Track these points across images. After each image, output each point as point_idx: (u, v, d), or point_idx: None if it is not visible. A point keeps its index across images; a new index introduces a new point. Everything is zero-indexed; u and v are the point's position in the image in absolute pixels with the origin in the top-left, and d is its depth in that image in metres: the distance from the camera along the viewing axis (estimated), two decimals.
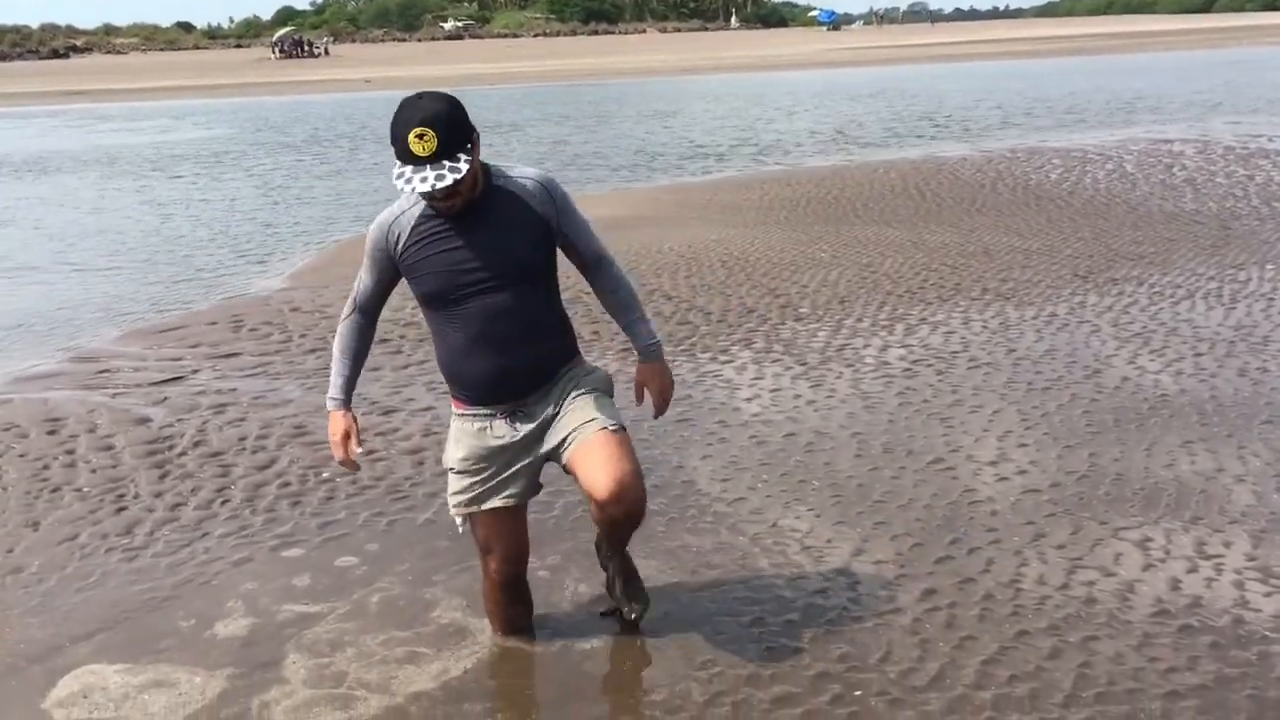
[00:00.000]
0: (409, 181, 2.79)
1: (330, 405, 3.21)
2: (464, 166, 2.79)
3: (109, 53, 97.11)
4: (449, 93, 2.91)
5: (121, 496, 4.68)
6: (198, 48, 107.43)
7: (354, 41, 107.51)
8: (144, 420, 5.60)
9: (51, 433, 5.47)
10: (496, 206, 2.97)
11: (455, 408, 3.16)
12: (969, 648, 3.31)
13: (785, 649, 3.33)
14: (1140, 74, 31.88)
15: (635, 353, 3.29)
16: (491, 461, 3.11)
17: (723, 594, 3.66)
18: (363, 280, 3.16)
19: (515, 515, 3.20)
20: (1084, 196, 11.65)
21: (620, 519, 3.06)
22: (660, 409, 3.30)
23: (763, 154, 17.07)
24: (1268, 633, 3.33)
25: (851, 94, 29.04)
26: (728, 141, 18.88)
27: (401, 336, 6.95)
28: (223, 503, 4.58)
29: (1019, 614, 3.49)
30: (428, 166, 2.78)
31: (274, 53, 76.87)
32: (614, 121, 23.55)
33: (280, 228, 11.93)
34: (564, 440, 3.06)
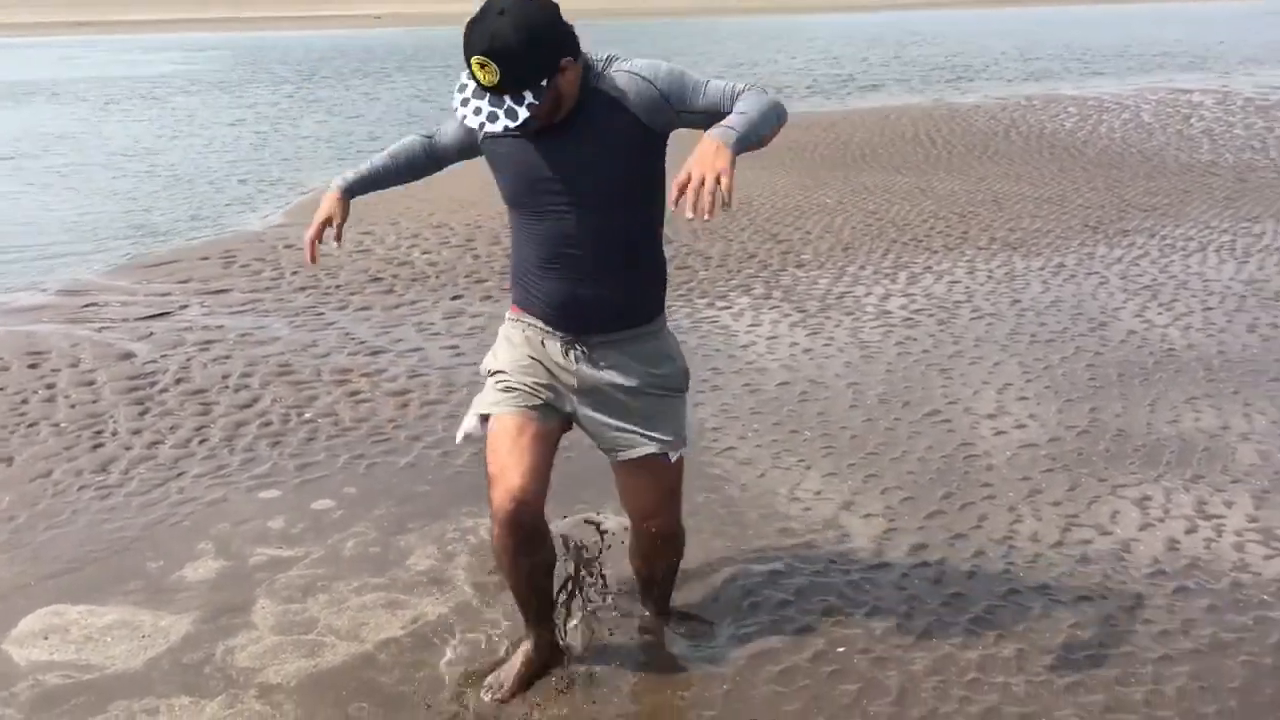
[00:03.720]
0: (464, 105, 2.38)
1: (333, 184, 2.84)
2: (524, 113, 2.34)
3: None
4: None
5: (99, 433, 4.58)
6: None
7: None
8: (127, 355, 5.50)
9: (33, 366, 5.37)
10: (588, 113, 2.46)
11: (511, 311, 2.75)
12: (957, 605, 3.20)
13: (766, 602, 3.23)
14: (1163, 23, 31.28)
15: None
16: (536, 370, 2.68)
17: (705, 545, 3.56)
18: (448, 126, 2.78)
19: (536, 436, 2.64)
20: (1098, 146, 11.41)
21: (654, 537, 2.87)
22: (682, 192, 2.25)
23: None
24: (1266, 597, 3.22)
25: (867, 38, 28.56)
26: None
27: (395, 276, 6.82)
28: (201, 442, 4.48)
29: (1010, 572, 3.38)
30: (487, 97, 2.35)
31: None
32: None
33: (278, 164, 11.75)
34: (616, 444, 2.70)
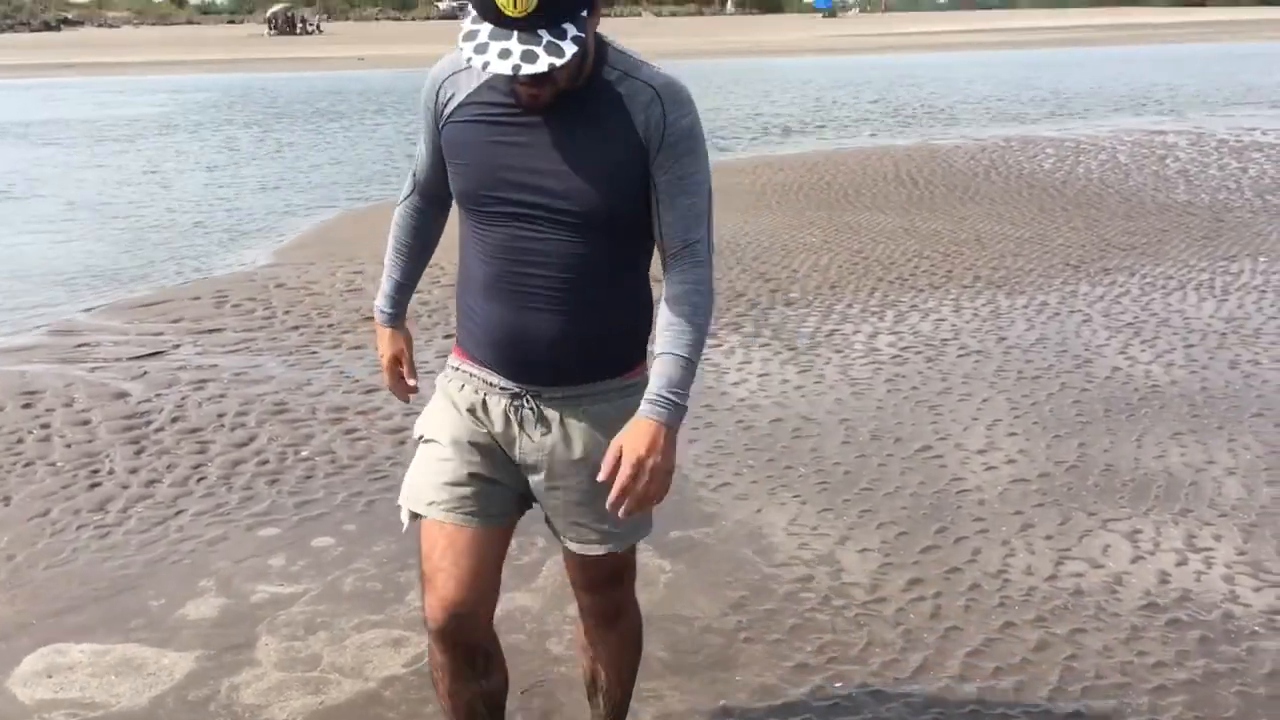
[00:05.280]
0: (482, 52, 1.83)
1: (376, 318, 2.44)
2: (570, 48, 1.84)
3: (101, 25, 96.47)
4: None
5: (96, 472, 4.59)
6: (190, 22, 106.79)
7: (348, 19, 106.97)
8: (122, 395, 5.51)
9: (27, 406, 5.38)
10: (594, 107, 1.99)
11: (453, 354, 2.24)
12: (954, 639, 3.25)
13: (764, 638, 3.27)
14: (1134, 66, 31.81)
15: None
16: (469, 453, 2.16)
17: (702, 580, 3.60)
18: (419, 149, 2.26)
19: (477, 539, 2.15)
20: (1077, 186, 11.59)
21: (596, 613, 2.39)
22: (623, 499, 1.97)
23: (756, 139, 16.97)
24: (1257, 628, 3.29)
25: (846, 81, 28.92)
26: (721, 126, 18.77)
27: None
28: (199, 480, 4.49)
29: (1005, 605, 3.44)
30: (515, 34, 1.83)
31: (268, 29, 76.40)
32: None
33: (270, 204, 11.80)
34: (567, 533, 2.24)
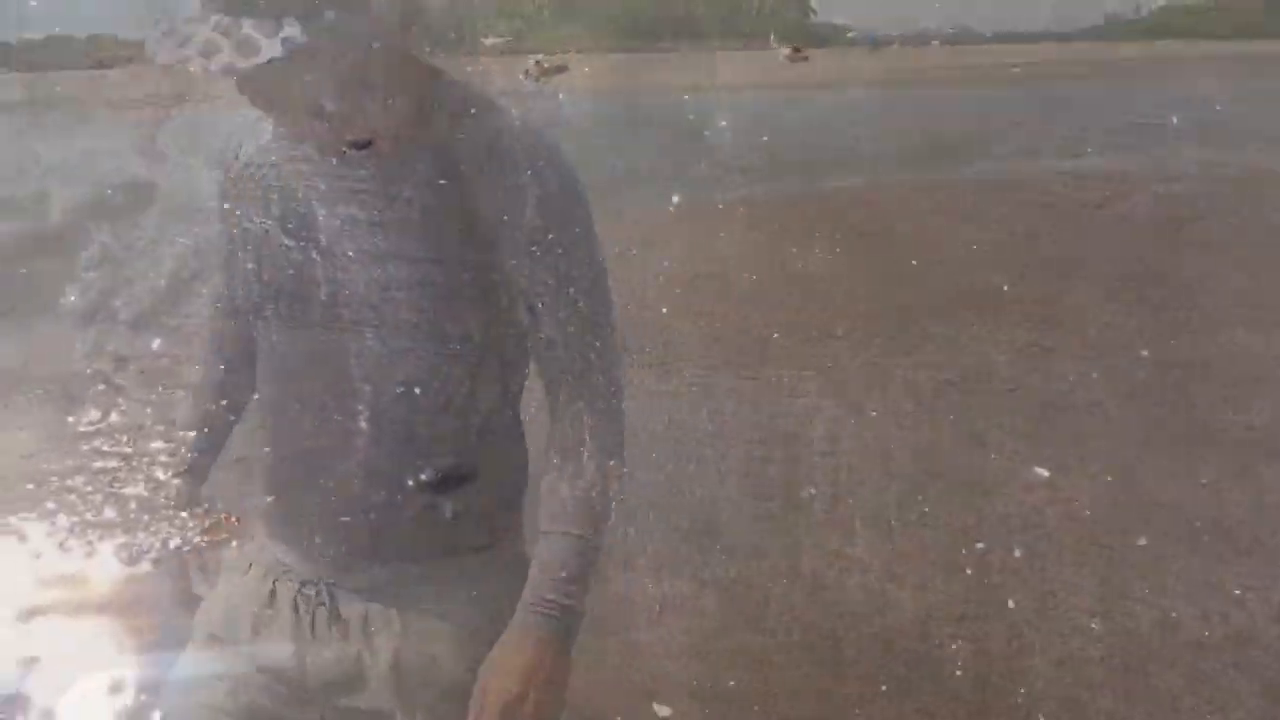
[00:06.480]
0: (169, 36, 1.22)
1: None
2: (269, 48, 1.19)
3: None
4: None
5: None
6: None
7: None
8: None
9: None
10: (435, 168, 1.35)
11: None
12: (1006, 676, 3.19)
13: (798, 670, 3.23)
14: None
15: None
16: (251, 675, 1.48)
17: (738, 611, 3.56)
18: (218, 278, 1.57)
19: None
20: (1125, 215, 11.46)
21: None
22: None
23: (798, 172, 16.96)
24: None
25: (893, 113, 28.93)
26: (765, 158, 18.80)
27: None
28: None
29: (1057, 645, 3.36)
30: (212, 20, 1.21)
31: None
32: (640, 138, 23.53)
33: None
34: None
